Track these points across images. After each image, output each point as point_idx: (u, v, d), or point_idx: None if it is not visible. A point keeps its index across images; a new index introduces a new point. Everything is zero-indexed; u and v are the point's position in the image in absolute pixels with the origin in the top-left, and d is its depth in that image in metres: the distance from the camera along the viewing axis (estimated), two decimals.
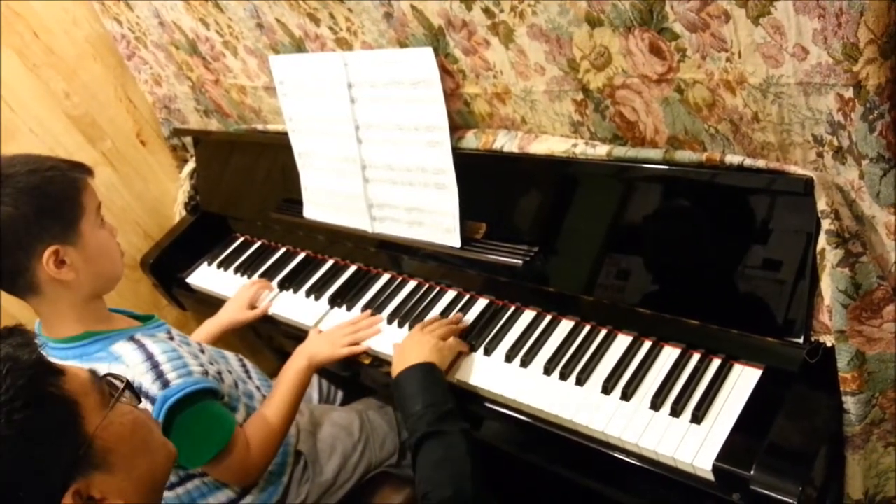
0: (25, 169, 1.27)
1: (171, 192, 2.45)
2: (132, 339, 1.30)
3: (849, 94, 0.98)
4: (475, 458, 1.22)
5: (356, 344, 1.58)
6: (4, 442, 0.75)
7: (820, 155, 1.10)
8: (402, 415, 1.31)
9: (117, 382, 0.90)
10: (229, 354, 1.57)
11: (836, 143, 1.06)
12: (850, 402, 1.09)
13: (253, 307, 1.85)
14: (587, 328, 1.42)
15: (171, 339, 1.37)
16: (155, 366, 1.27)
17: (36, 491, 0.77)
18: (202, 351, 1.42)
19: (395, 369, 1.38)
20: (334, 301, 1.77)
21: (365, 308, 1.70)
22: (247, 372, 1.58)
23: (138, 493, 0.87)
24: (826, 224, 1.06)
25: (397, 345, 1.46)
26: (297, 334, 1.79)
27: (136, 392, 0.94)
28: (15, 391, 0.77)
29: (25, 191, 1.24)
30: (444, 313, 1.59)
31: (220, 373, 1.40)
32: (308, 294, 1.83)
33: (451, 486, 1.16)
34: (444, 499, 1.15)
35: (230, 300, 1.89)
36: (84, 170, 1.35)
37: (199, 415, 1.29)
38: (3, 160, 1.28)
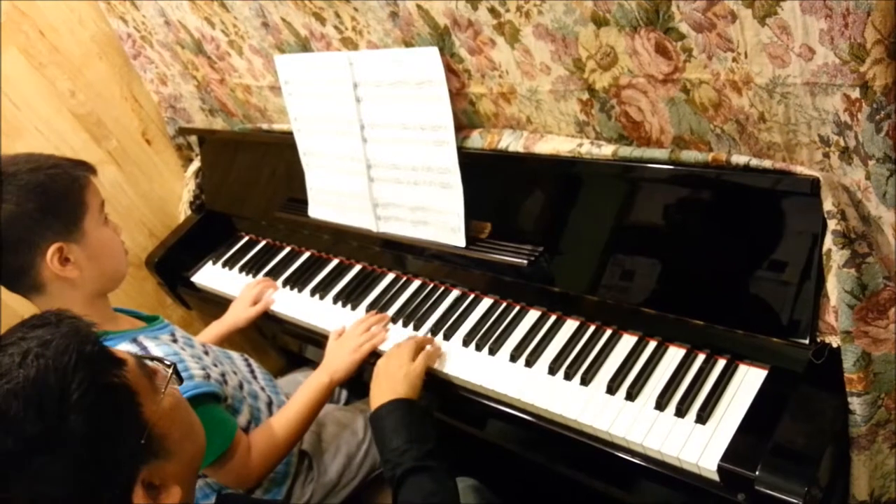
0: (28, 167, 1.27)
1: (177, 191, 2.46)
2: (134, 341, 1.30)
3: (855, 94, 0.98)
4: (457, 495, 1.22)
5: (370, 341, 1.57)
6: (82, 439, 0.74)
7: (826, 155, 1.10)
8: (381, 447, 1.28)
9: (159, 365, 0.90)
10: (234, 354, 1.57)
11: (842, 143, 1.06)
12: (855, 403, 1.09)
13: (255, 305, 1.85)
14: (592, 328, 1.42)
15: (175, 341, 1.37)
16: None
17: (112, 484, 0.77)
18: (206, 352, 1.42)
19: (374, 402, 1.35)
20: (339, 300, 1.77)
21: (370, 307, 1.70)
22: (252, 372, 1.58)
23: (188, 476, 0.88)
24: (832, 224, 1.06)
25: (374, 373, 1.43)
26: (302, 333, 1.80)
27: (179, 373, 0.94)
28: (87, 385, 0.76)
29: (28, 188, 1.25)
30: (449, 313, 1.59)
31: (223, 374, 1.40)
32: (313, 293, 1.83)
33: None
34: None
35: (235, 301, 1.89)
36: (87, 168, 1.35)
37: (200, 419, 1.29)
38: (5, 159, 1.29)
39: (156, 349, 1.29)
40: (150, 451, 0.81)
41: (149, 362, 0.90)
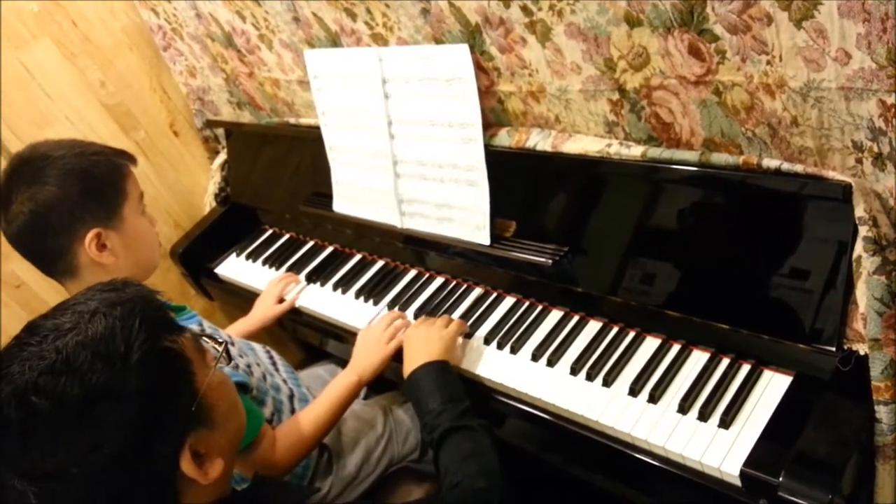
0: (72, 152, 1.30)
1: (202, 182, 2.47)
2: None
3: (891, 99, 0.97)
4: (499, 453, 1.23)
5: (396, 337, 1.57)
6: (140, 394, 0.79)
7: (859, 161, 1.09)
8: (419, 411, 1.32)
9: (210, 344, 0.95)
10: (257, 346, 1.58)
11: (875, 149, 1.05)
12: (882, 412, 1.08)
13: (282, 301, 1.86)
14: (615, 329, 1.41)
15: (203, 331, 1.38)
16: None
17: (164, 441, 0.82)
18: (232, 343, 1.43)
19: (408, 367, 1.38)
20: (361, 295, 1.78)
21: (392, 303, 1.71)
22: (274, 364, 1.59)
23: (229, 450, 0.93)
24: (863, 231, 1.05)
25: (406, 341, 1.47)
26: (323, 327, 1.80)
27: (229, 353, 0.98)
28: (148, 345, 0.82)
29: (72, 172, 1.28)
30: (471, 310, 1.59)
31: (248, 366, 1.41)
32: (335, 288, 1.84)
33: (484, 479, 1.17)
34: (477, 489, 1.15)
35: (259, 298, 1.90)
36: (128, 157, 1.39)
37: None
38: (50, 143, 1.32)
39: None
40: (199, 418, 0.86)
41: (202, 341, 0.95)
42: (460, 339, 1.52)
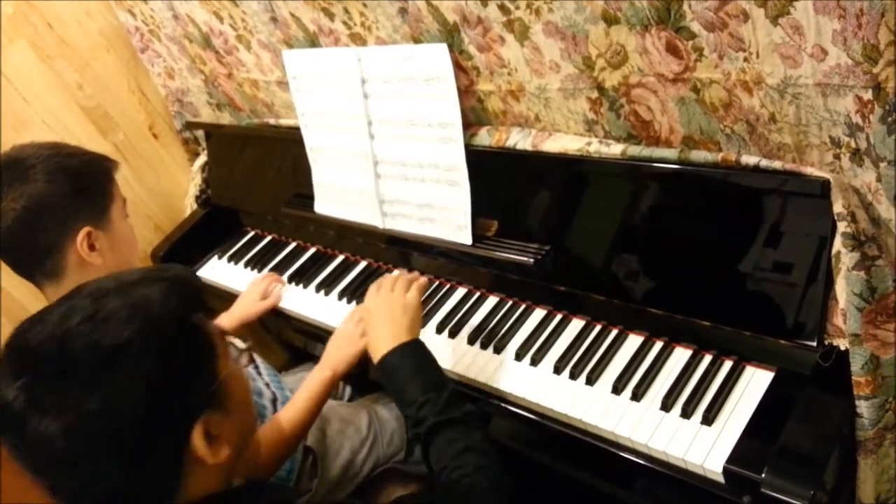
0: (62, 153, 1.33)
1: (183, 185, 2.46)
2: None
3: (868, 95, 0.98)
4: (490, 441, 1.17)
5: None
6: (163, 357, 0.85)
7: (837, 157, 1.09)
8: (398, 402, 1.23)
9: (239, 343, 1.00)
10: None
11: (853, 145, 1.05)
12: (863, 406, 1.08)
13: (264, 300, 1.85)
14: (598, 327, 1.41)
15: None
16: None
17: (180, 413, 0.86)
18: None
19: (376, 349, 1.27)
20: (344, 296, 1.77)
21: None
22: (256, 368, 1.58)
23: (237, 442, 0.95)
24: (842, 227, 1.06)
25: (366, 315, 1.35)
26: (307, 328, 1.79)
27: (252, 357, 1.00)
28: (181, 319, 0.89)
29: (64, 171, 1.29)
30: (455, 310, 1.59)
31: None
32: (318, 289, 1.83)
33: (481, 474, 1.10)
34: (475, 484, 1.09)
35: (242, 295, 1.89)
36: (113, 162, 1.41)
37: None
38: (36, 144, 1.35)
39: None
40: (215, 400, 0.90)
41: (228, 338, 0.99)
42: (445, 339, 1.51)
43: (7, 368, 0.84)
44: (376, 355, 1.27)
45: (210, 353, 0.91)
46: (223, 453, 0.90)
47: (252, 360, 1.03)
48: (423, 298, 1.40)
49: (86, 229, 1.30)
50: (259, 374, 1.57)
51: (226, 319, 1.82)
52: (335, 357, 1.52)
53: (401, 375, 1.23)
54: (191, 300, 0.92)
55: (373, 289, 1.39)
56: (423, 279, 1.42)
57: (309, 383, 1.49)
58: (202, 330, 0.91)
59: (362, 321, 1.51)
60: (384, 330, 1.28)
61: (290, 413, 1.44)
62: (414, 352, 1.26)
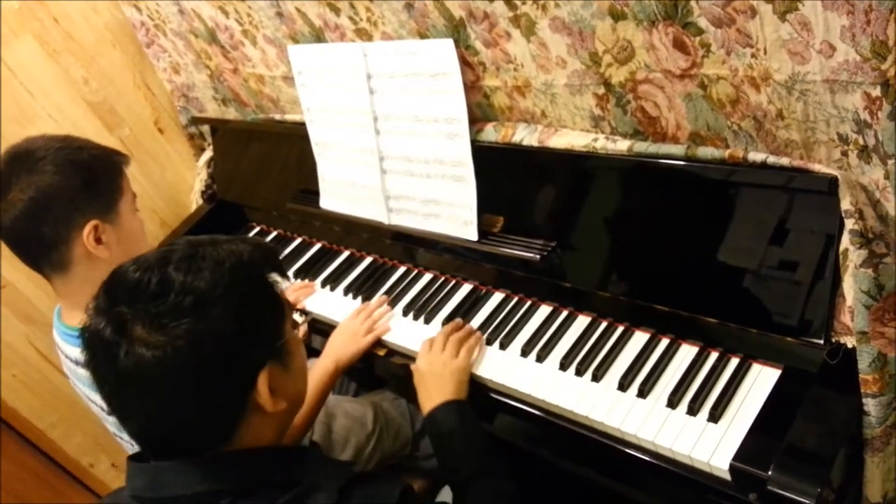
0: (72, 146, 1.32)
1: (188, 180, 2.46)
2: None
3: (876, 92, 0.97)
4: (497, 442, 1.27)
5: (374, 329, 1.57)
6: (243, 305, 0.91)
7: (844, 154, 1.08)
8: (440, 453, 1.33)
9: (298, 316, 1.09)
10: None
11: (861, 141, 1.05)
12: (870, 404, 1.08)
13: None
14: (604, 324, 1.41)
15: None
16: None
17: (253, 353, 0.93)
18: None
19: (425, 405, 1.37)
20: (349, 291, 1.77)
21: None
22: None
23: (292, 403, 1.01)
24: (850, 224, 1.05)
25: (416, 374, 1.44)
26: (312, 324, 1.79)
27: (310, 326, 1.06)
28: (260, 276, 0.97)
29: (73, 164, 1.30)
30: (460, 307, 1.59)
31: None
32: (324, 284, 1.83)
33: None
34: None
35: None
36: (123, 156, 1.41)
37: None
38: (47, 137, 1.36)
39: None
40: (280, 354, 0.96)
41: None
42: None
43: (102, 297, 0.91)
44: (424, 410, 1.37)
45: (281, 310, 0.99)
46: (280, 405, 0.96)
47: (308, 336, 1.10)
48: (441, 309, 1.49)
49: (93, 222, 1.30)
50: None
51: None
52: (339, 350, 1.54)
53: (445, 429, 1.32)
54: (271, 261, 1.00)
55: (425, 346, 1.46)
56: (473, 340, 1.47)
57: (312, 374, 1.49)
58: (275, 289, 0.99)
59: (370, 319, 1.59)
60: (433, 391, 1.38)
61: None
62: (458, 409, 1.34)
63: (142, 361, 0.86)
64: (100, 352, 0.89)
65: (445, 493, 1.61)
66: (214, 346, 0.88)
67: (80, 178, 1.29)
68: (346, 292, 1.78)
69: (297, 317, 1.07)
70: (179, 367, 0.87)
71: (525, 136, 1.46)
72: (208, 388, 0.90)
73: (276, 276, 1.00)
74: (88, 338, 0.91)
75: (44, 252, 1.31)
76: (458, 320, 1.52)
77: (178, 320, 0.87)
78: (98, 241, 1.30)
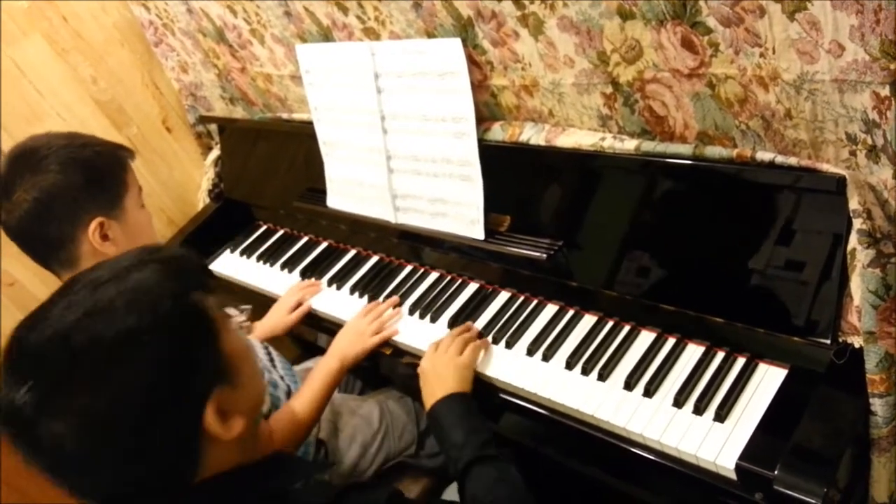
0: (75, 143, 1.33)
1: (196, 178, 2.47)
2: None
3: (885, 91, 0.97)
4: (505, 443, 1.24)
5: (381, 330, 1.58)
6: (169, 342, 0.84)
7: (853, 153, 1.08)
8: (442, 445, 1.31)
9: (235, 311, 0.99)
10: (255, 343, 1.58)
11: (869, 141, 1.05)
12: (877, 404, 1.08)
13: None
14: (610, 324, 1.41)
15: None
16: None
17: (190, 391, 0.86)
18: None
19: (426, 399, 1.37)
20: (356, 290, 1.77)
21: (387, 299, 1.70)
22: (272, 361, 1.58)
23: (250, 411, 0.95)
24: (857, 223, 1.05)
25: (422, 374, 1.43)
26: (318, 322, 1.80)
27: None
28: (179, 299, 0.87)
29: (76, 161, 1.29)
30: (466, 306, 1.59)
31: None
32: (330, 283, 1.83)
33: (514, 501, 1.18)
34: None
35: (274, 307, 1.82)
36: (128, 151, 1.40)
37: None
38: (50, 135, 1.34)
39: None
40: (223, 375, 0.89)
41: (227, 309, 0.98)
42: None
43: (11, 372, 0.82)
44: (427, 406, 1.36)
45: (213, 329, 0.90)
46: (237, 427, 0.90)
47: (251, 320, 1.03)
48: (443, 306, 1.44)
49: (98, 219, 1.30)
50: (274, 366, 1.57)
51: (256, 332, 1.79)
52: (344, 348, 1.54)
53: (446, 422, 1.31)
54: (187, 279, 0.90)
55: (431, 348, 1.46)
56: (480, 342, 1.47)
57: (317, 373, 1.50)
58: (202, 308, 0.89)
59: (378, 321, 1.59)
60: (436, 387, 1.37)
61: (299, 403, 1.45)
62: (459, 402, 1.34)
63: (66, 437, 0.79)
64: (22, 432, 0.81)
65: (451, 493, 1.62)
66: (140, 400, 0.81)
67: (83, 176, 1.29)
68: (352, 291, 1.78)
69: (236, 316, 1.00)
70: (108, 435, 0.81)
71: (532, 135, 1.46)
72: (149, 444, 0.84)
73: (198, 294, 0.89)
74: (4, 419, 0.82)
75: (52, 251, 1.31)
76: (467, 324, 1.53)
77: (94, 385, 0.80)
78: (104, 237, 1.31)
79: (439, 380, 1.37)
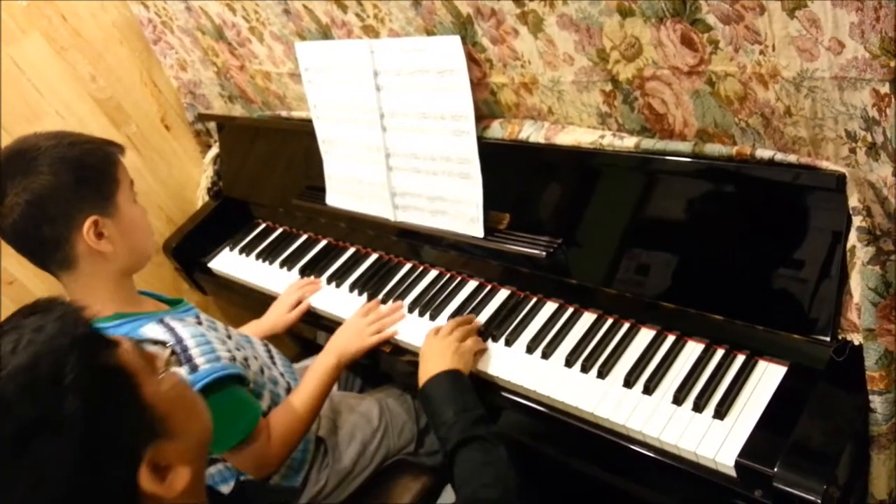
0: (63, 142, 1.31)
1: (195, 177, 2.46)
2: (161, 321, 1.31)
3: (885, 89, 0.97)
4: (511, 460, 1.21)
5: (381, 330, 1.58)
6: (81, 420, 0.72)
7: (853, 151, 1.08)
8: (433, 423, 1.30)
9: (157, 348, 0.90)
10: (255, 340, 1.58)
11: (869, 138, 1.05)
12: (877, 402, 1.08)
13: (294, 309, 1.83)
14: (610, 321, 1.41)
15: (200, 323, 1.37)
16: (184, 350, 1.27)
17: (116, 465, 0.76)
18: (229, 336, 1.42)
19: (421, 379, 1.36)
20: (355, 288, 1.77)
21: (386, 296, 1.70)
22: (272, 358, 1.58)
23: (195, 456, 0.86)
24: (857, 221, 1.05)
25: (421, 358, 1.42)
26: (317, 320, 1.80)
27: (178, 355, 0.93)
28: (81, 367, 0.74)
29: (65, 161, 1.28)
30: (466, 303, 1.59)
31: (246, 358, 1.40)
32: (329, 281, 1.83)
33: (498, 487, 1.15)
34: (492, 499, 1.14)
35: (275, 304, 1.84)
36: (116, 146, 1.39)
37: (225, 401, 1.29)
38: (39, 135, 1.33)
39: (182, 330, 1.30)
40: (153, 430, 0.79)
41: (147, 346, 0.89)
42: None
43: None
44: (420, 384, 1.35)
45: (130, 385, 0.79)
46: (182, 479, 0.81)
47: (180, 363, 0.97)
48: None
49: (92, 218, 1.29)
50: (274, 363, 1.58)
51: (254, 328, 1.80)
52: (342, 346, 1.55)
53: (437, 400, 1.30)
54: (87, 338, 0.79)
55: (431, 332, 1.46)
56: (476, 324, 1.48)
57: (315, 369, 1.51)
58: (112, 365, 0.79)
59: (379, 321, 1.59)
60: (431, 367, 1.36)
61: (297, 400, 1.46)
62: (451, 379, 1.32)
63: None
64: None
65: (450, 492, 1.62)
66: (61, 489, 0.72)
67: (73, 176, 1.28)
68: (351, 289, 1.78)
69: (158, 351, 0.89)
70: None
71: (532, 132, 1.46)
72: None
73: (101, 354, 0.78)
74: None
75: (48, 252, 1.30)
76: (470, 315, 1.53)
77: (7, 486, 0.71)
78: (99, 235, 1.29)
79: (437, 360, 1.37)
